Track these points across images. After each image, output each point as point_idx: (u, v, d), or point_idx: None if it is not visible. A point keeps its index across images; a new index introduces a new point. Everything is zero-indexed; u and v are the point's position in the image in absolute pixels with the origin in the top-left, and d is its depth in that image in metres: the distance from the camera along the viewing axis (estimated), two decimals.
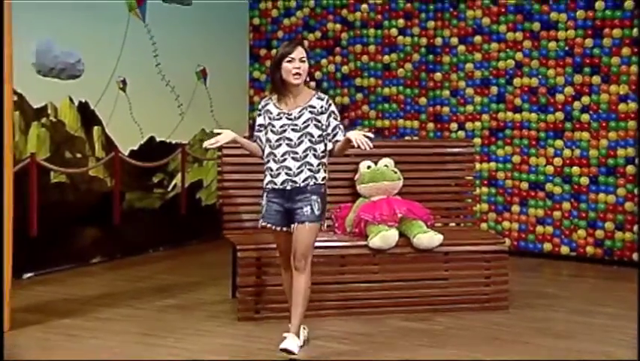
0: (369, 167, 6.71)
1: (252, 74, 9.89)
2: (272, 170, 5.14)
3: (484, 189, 8.72)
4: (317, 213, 5.11)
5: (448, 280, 6.44)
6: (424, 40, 9.02)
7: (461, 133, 8.83)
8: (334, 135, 5.17)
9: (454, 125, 8.89)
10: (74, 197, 7.93)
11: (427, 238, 6.28)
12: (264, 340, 5.67)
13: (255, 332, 5.84)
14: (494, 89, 8.70)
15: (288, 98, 5.14)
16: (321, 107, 5.14)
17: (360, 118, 9.38)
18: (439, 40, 8.94)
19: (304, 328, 5.33)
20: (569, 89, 8.34)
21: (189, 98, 9.06)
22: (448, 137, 8.84)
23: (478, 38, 8.74)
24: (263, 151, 5.23)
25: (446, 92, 8.94)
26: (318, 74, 9.55)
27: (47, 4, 7.40)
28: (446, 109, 8.94)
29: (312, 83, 9.53)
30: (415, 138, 8.99)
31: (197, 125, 9.17)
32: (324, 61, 9.53)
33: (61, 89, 7.71)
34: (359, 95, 9.38)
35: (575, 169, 8.34)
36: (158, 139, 8.73)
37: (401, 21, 9.12)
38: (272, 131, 5.14)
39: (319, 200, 5.13)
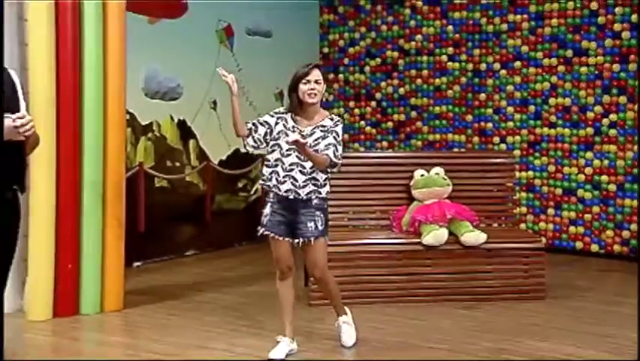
0: (422, 174, 6.67)
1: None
2: (279, 175, 4.71)
3: (523, 194, 8.62)
4: (320, 228, 4.75)
5: (491, 273, 6.37)
6: (470, 66, 8.95)
7: (503, 146, 8.74)
8: (326, 149, 4.64)
9: (496, 139, 8.80)
10: (174, 199, 8.04)
11: (473, 236, 6.23)
12: (330, 321, 5.64)
13: (324, 316, 5.83)
14: (532, 108, 8.59)
15: (304, 116, 4.77)
16: (329, 126, 4.74)
17: (414, 132, 9.33)
18: (483, 66, 8.86)
19: (292, 339, 4.95)
20: (598, 108, 8.19)
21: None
22: (491, 149, 8.75)
23: (517, 64, 8.64)
24: (248, 135, 4.75)
25: (489, 110, 8.85)
26: (378, 95, 9.53)
27: (154, 39, 7.56)
28: (489, 125, 8.85)
29: (373, 103, 9.54)
30: (462, 149, 8.91)
31: None
32: (383, 83, 9.51)
33: (164, 109, 7.84)
34: (413, 113, 9.34)
35: (604, 177, 8.18)
36: (242, 151, 8.76)
37: (450, 49, 9.06)
38: (283, 139, 4.73)
39: (322, 215, 4.76)
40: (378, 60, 9.54)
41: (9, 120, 3.41)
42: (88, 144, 5.77)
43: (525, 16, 8.57)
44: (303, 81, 4.67)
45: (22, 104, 3.76)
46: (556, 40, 8.40)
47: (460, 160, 7.21)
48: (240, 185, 8.87)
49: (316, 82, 4.68)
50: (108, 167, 5.88)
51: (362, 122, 9.68)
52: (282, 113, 4.82)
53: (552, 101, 8.45)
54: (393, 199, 6.77)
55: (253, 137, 4.77)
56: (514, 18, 8.64)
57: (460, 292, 6.28)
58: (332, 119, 4.80)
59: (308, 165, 4.66)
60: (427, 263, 6.29)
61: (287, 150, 4.69)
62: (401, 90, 9.41)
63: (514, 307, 6.11)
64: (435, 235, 6.19)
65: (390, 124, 9.51)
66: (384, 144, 9.52)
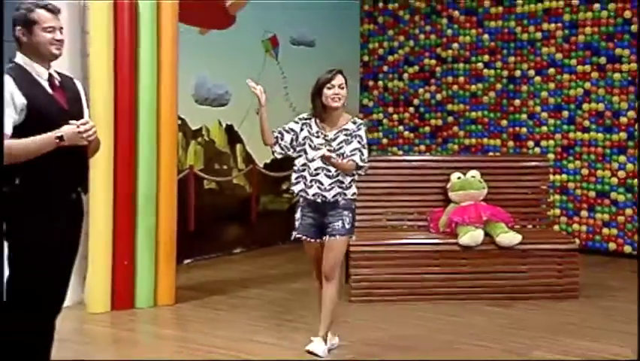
0: (459, 177, 6.67)
1: (362, 101, 9.93)
2: (306, 180, 4.67)
3: (557, 197, 8.55)
4: (347, 227, 4.68)
5: (525, 273, 6.34)
6: (505, 73, 8.91)
7: (537, 150, 8.68)
8: (352, 155, 4.59)
9: (530, 143, 8.75)
10: (221, 200, 8.12)
11: (509, 237, 6.22)
12: (372, 317, 5.73)
13: (364, 311, 5.89)
14: (565, 113, 8.53)
15: (328, 120, 4.69)
16: (353, 130, 4.67)
17: (450, 137, 9.32)
18: (518, 73, 8.82)
19: (334, 334, 4.95)
20: (631, 113, 8.10)
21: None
22: (525, 153, 8.70)
23: (552, 70, 8.58)
24: (275, 143, 4.71)
25: (524, 116, 8.81)
26: (416, 101, 9.54)
27: (204, 49, 7.65)
28: (524, 130, 8.81)
29: (411, 108, 9.55)
30: (498, 153, 8.87)
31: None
32: (421, 90, 9.51)
33: (212, 114, 7.93)
34: (450, 118, 9.33)
35: (637, 181, 8.08)
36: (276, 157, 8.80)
37: (486, 56, 9.04)
38: (309, 145, 4.68)
39: (350, 214, 4.69)
40: (416, 67, 9.54)
41: (73, 126, 3.52)
42: (142, 148, 5.86)
43: (559, 24, 8.51)
44: (328, 86, 4.61)
45: (86, 112, 3.87)
46: (589, 47, 8.34)
47: (495, 164, 7.20)
48: (284, 187, 8.91)
49: (340, 87, 4.63)
50: (161, 170, 5.96)
51: (400, 127, 9.69)
52: (307, 118, 4.76)
53: (585, 106, 8.39)
54: (431, 201, 6.78)
55: (280, 144, 4.73)
56: (548, 27, 8.59)
57: (496, 290, 6.26)
58: (355, 123, 4.72)
59: (333, 168, 4.60)
60: (463, 263, 6.28)
61: (313, 156, 4.64)
62: (438, 96, 9.40)
63: (548, 306, 6.08)
64: (471, 236, 6.19)
65: (427, 129, 9.51)
66: (422, 147, 9.51)
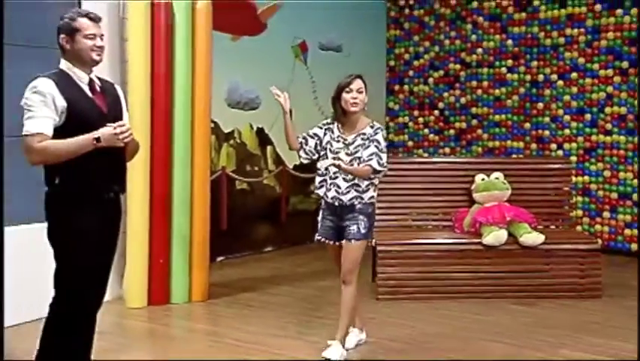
0: (483, 179, 6.66)
1: (388, 104, 9.93)
2: (327, 183, 4.62)
3: (579, 198, 8.49)
4: (363, 231, 4.54)
5: (548, 272, 6.32)
6: (528, 77, 8.87)
7: (560, 152, 8.63)
8: (369, 160, 4.48)
9: (553, 146, 8.69)
10: (253, 200, 8.16)
11: (532, 237, 6.20)
12: (398, 315, 5.73)
13: (390, 309, 5.89)
14: (588, 116, 8.46)
15: (348, 125, 4.60)
16: (370, 134, 4.54)
17: (475, 139, 9.29)
18: (541, 77, 8.77)
19: (361, 330, 4.96)
20: None
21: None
22: (548, 155, 8.65)
23: (574, 75, 8.53)
24: (300, 148, 4.68)
25: (547, 119, 8.76)
26: (440, 105, 9.53)
27: (236, 55, 7.69)
28: (547, 132, 8.76)
29: (436, 112, 9.54)
30: (521, 156, 8.83)
31: None
32: (445, 94, 9.49)
33: (244, 118, 7.97)
34: (474, 121, 9.30)
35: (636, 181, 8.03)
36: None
37: (510, 61, 9.00)
38: (330, 149, 4.60)
39: (366, 219, 4.56)
40: (441, 72, 9.53)
41: (110, 128, 3.57)
42: (177, 150, 5.92)
43: (582, 29, 8.46)
44: (346, 90, 4.53)
45: (126, 115, 3.92)
46: (612, 52, 8.27)
47: (518, 165, 7.18)
48: (312, 188, 8.93)
49: (358, 91, 4.52)
50: (195, 171, 6.00)
51: (426, 130, 9.68)
52: (330, 123, 4.68)
53: (608, 109, 8.32)
54: (455, 202, 6.76)
55: (304, 149, 4.69)
56: (571, 32, 8.53)
57: (519, 289, 6.24)
58: (372, 127, 4.59)
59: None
60: (486, 262, 6.26)
61: (332, 159, 4.52)
62: (462, 100, 9.38)
63: (571, 305, 6.04)
64: (495, 236, 6.17)
65: (452, 131, 9.49)
66: (447, 150, 9.50)
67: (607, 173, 8.36)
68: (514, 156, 8.88)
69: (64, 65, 3.69)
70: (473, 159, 8.51)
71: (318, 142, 4.67)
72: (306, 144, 4.68)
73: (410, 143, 9.76)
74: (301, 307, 5.90)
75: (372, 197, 4.61)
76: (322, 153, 4.65)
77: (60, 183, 3.61)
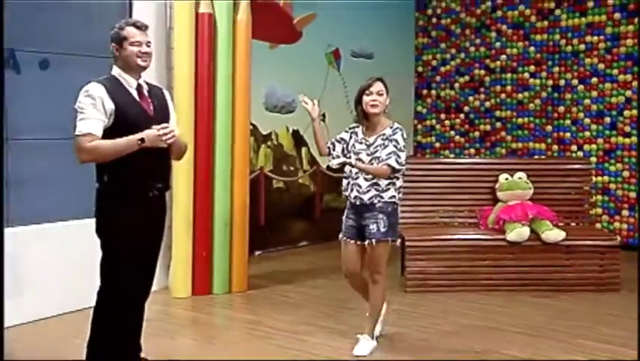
0: (506, 178, 6.61)
1: (416, 108, 9.90)
2: (350, 184, 4.48)
3: (599, 197, 8.39)
4: (383, 230, 4.38)
5: (569, 267, 6.25)
6: (550, 82, 8.78)
7: (580, 153, 8.53)
8: (387, 159, 4.32)
9: (574, 147, 8.60)
10: (289, 198, 8.18)
11: (553, 234, 6.14)
12: (425, 306, 5.71)
13: (418, 301, 5.87)
14: (607, 119, 8.36)
15: (370, 127, 4.47)
16: (389, 134, 4.40)
17: (498, 141, 9.22)
18: (562, 82, 8.68)
19: (382, 322, 4.80)
20: None
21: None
22: (569, 156, 8.55)
23: (594, 80, 8.42)
24: (328, 154, 4.57)
25: (568, 122, 8.66)
26: (466, 108, 9.47)
27: (273, 62, 7.72)
28: (568, 135, 8.66)
29: (462, 115, 9.48)
30: (543, 156, 8.75)
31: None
32: (471, 98, 9.43)
33: (281, 121, 7.99)
34: (498, 124, 9.23)
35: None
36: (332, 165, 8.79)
37: (532, 67, 8.91)
38: (353, 151, 4.47)
39: (385, 218, 4.38)
40: (467, 77, 9.47)
41: (154, 130, 3.61)
42: (219, 150, 5.95)
43: (602, 37, 8.35)
44: (367, 92, 4.41)
45: (173, 118, 3.96)
46: (630, 58, 8.15)
47: (540, 166, 7.11)
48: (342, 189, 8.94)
49: (378, 93, 4.40)
50: (235, 170, 6.04)
51: (452, 132, 9.63)
52: (355, 126, 4.56)
53: (626, 113, 8.21)
54: (480, 200, 6.72)
55: (332, 155, 4.56)
56: (591, 39, 8.43)
57: (541, 283, 6.19)
58: (392, 127, 4.44)
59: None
60: (510, 257, 6.22)
61: (355, 160, 4.40)
62: (487, 104, 9.32)
63: (591, 299, 5.98)
64: (518, 233, 6.13)
65: (477, 134, 9.43)
66: (472, 151, 9.44)
67: (626, 173, 8.25)
68: (536, 156, 8.80)
69: (115, 71, 3.76)
70: (497, 159, 8.43)
71: (345, 146, 4.55)
72: (334, 149, 4.58)
73: (437, 144, 9.72)
74: (334, 299, 5.90)
75: (393, 196, 4.44)
76: (348, 156, 4.50)
77: (108, 180, 3.67)
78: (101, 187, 3.71)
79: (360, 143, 4.47)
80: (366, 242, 4.44)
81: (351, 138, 4.55)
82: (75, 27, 5.51)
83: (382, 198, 4.40)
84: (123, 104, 3.65)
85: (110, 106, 3.60)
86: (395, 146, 4.35)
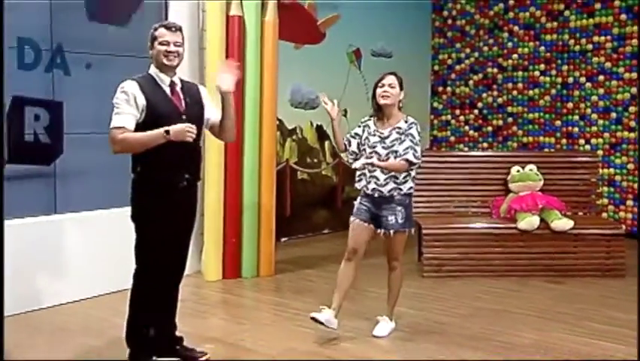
0: (518, 170, 6.57)
1: (433, 104, 9.86)
2: (366, 176, 4.36)
3: (605, 188, 8.30)
4: (401, 221, 4.32)
5: (576, 254, 6.22)
6: (559, 80, 8.70)
7: (587, 147, 8.44)
8: (405, 153, 4.23)
9: (582, 141, 8.52)
10: (312, 189, 8.19)
11: (562, 223, 6.11)
12: (441, 290, 5.71)
13: (434, 285, 5.87)
14: (613, 115, 8.27)
15: (383, 119, 4.35)
16: (405, 129, 4.29)
17: (510, 135, 9.15)
18: (570, 79, 8.59)
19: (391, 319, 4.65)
20: None
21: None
22: (577, 149, 8.47)
23: (601, 77, 8.33)
24: (345, 150, 4.48)
25: (576, 117, 8.58)
26: (479, 104, 9.41)
27: (298, 61, 7.72)
28: (576, 129, 8.58)
29: (476, 111, 9.43)
30: (552, 150, 8.68)
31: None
32: (484, 94, 9.37)
33: (305, 116, 7.99)
34: (510, 119, 9.16)
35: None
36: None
37: (542, 65, 8.83)
38: (367, 144, 4.34)
39: (403, 210, 4.32)
40: (481, 75, 9.41)
41: (181, 125, 3.62)
42: (248, 144, 5.96)
43: (608, 37, 8.25)
44: (379, 85, 4.33)
45: (211, 110, 3.96)
46: (636, 57, 8.04)
47: (550, 159, 7.05)
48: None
49: (390, 86, 4.29)
50: (262, 163, 6.05)
51: (466, 127, 9.58)
52: (366, 120, 4.46)
53: (632, 109, 8.11)
54: (493, 191, 6.69)
55: (348, 150, 4.49)
56: (598, 39, 8.34)
57: (549, 269, 6.16)
58: (407, 122, 4.32)
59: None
60: (521, 245, 6.19)
61: (369, 154, 4.30)
62: (499, 100, 9.25)
63: (597, 283, 5.94)
64: (528, 222, 6.09)
65: (490, 128, 9.37)
66: (485, 145, 9.38)
67: (630, 166, 8.15)
68: (546, 150, 8.73)
69: (151, 69, 3.79)
70: (509, 152, 8.40)
71: (359, 141, 4.44)
72: (350, 145, 4.48)
73: (452, 138, 9.68)
74: (355, 283, 5.88)
75: (411, 188, 4.37)
76: (362, 148, 4.40)
77: (140, 171, 3.70)
78: (135, 177, 3.75)
79: (374, 135, 4.35)
80: (383, 232, 4.37)
81: (364, 131, 4.43)
82: (116, 29, 5.56)
83: (401, 190, 4.31)
84: (155, 99, 3.68)
85: (142, 102, 3.63)
86: (412, 140, 4.26)
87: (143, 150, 3.62)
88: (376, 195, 4.33)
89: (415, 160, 4.25)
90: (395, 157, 4.25)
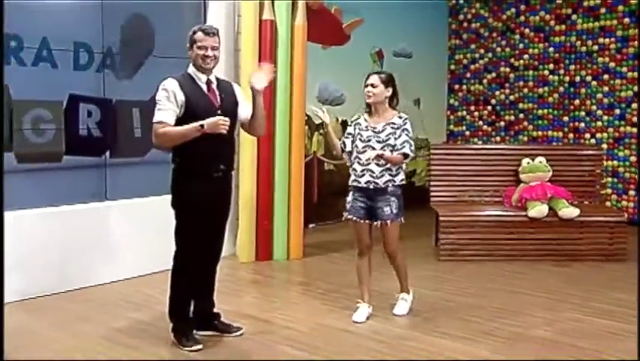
0: (528, 162, 6.46)
1: (449, 101, 9.73)
2: (356, 171, 4.23)
3: (609, 179, 8.13)
4: (395, 211, 4.19)
5: (582, 240, 6.10)
6: (567, 78, 8.52)
7: (593, 141, 8.27)
8: (402, 148, 4.15)
9: (587, 135, 8.34)
10: (338, 178, 8.06)
11: (569, 211, 6.00)
12: (456, 273, 5.65)
13: (450, 268, 5.81)
14: (617, 111, 8.07)
15: (375, 115, 4.24)
16: (399, 124, 4.19)
17: (521, 130, 8.99)
18: (577, 78, 8.41)
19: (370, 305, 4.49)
20: None
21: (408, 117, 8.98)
22: (583, 143, 8.30)
23: (606, 76, 8.14)
24: (342, 151, 4.34)
25: (582, 113, 8.40)
26: (493, 101, 9.26)
27: (325, 60, 7.66)
28: (582, 124, 8.41)
29: (489, 107, 9.29)
30: (560, 143, 8.52)
31: (413, 135, 9.07)
32: (497, 92, 9.22)
33: (331, 111, 7.64)
34: (521, 115, 9.01)
35: None
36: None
37: (551, 65, 8.65)
38: (359, 139, 4.22)
39: (396, 200, 4.20)
40: (494, 74, 9.26)
41: (215, 118, 3.60)
42: (279, 137, 5.95)
43: (612, 39, 8.05)
44: (365, 85, 4.26)
45: (244, 105, 3.93)
46: (638, 57, 7.85)
47: (558, 152, 6.90)
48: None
49: (372, 85, 4.20)
50: (292, 154, 6.03)
51: (480, 122, 9.44)
52: (357, 118, 4.35)
53: (634, 105, 7.91)
54: (505, 181, 6.58)
55: (345, 151, 4.33)
56: (603, 41, 8.14)
57: (557, 253, 6.06)
58: (401, 118, 4.23)
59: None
60: (530, 231, 6.09)
61: (362, 148, 4.19)
62: (511, 97, 9.10)
63: (600, 267, 5.84)
64: (538, 210, 5.99)
65: (502, 123, 9.22)
66: (498, 139, 9.24)
67: (633, 158, 7.97)
68: (554, 143, 8.57)
69: (190, 68, 3.78)
70: (520, 146, 8.23)
71: (353, 140, 4.31)
72: (346, 146, 4.33)
73: (467, 133, 9.55)
74: (375, 265, 5.78)
75: (402, 179, 4.26)
76: (354, 145, 4.26)
77: (179, 162, 3.70)
78: (174, 168, 3.75)
79: (366, 130, 4.23)
80: (379, 223, 4.24)
81: (355, 129, 4.31)
82: (160, 33, 5.57)
83: (395, 181, 4.20)
84: (193, 96, 3.67)
85: (181, 98, 3.63)
86: (407, 135, 4.19)
87: (182, 143, 3.61)
88: (372, 187, 4.19)
89: (411, 154, 4.19)
90: (391, 150, 4.15)
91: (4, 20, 3.90)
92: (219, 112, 3.69)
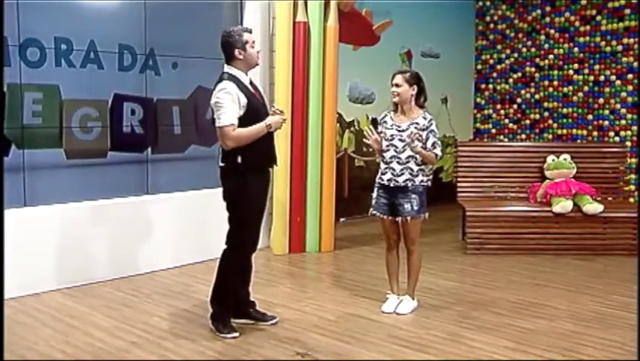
0: (553, 159, 6.36)
1: (476, 100, 9.62)
2: (381, 168, 4.22)
3: (632, 176, 7.95)
4: (416, 208, 4.10)
5: (605, 235, 6.00)
6: (591, 78, 8.35)
7: (617, 138, 8.10)
8: (433, 148, 4.09)
9: (611, 133, 8.17)
10: (367, 174, 8.01)
11: (593, 207, 5.90)
12: (482, 266, 5.59)
13: (476, 261, 5.75)
14: None
15: (401, 114, 4.16)
16: (424, 125, 4.10)
17: (546, 128, 8.85)
18: (602, 78, 8.24)
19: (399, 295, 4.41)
20: None
21: (436, 115, 8.84)
22: (607, 141, 8.14)
23: (630, 76, 7.96)
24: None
25: (606, 112, 8.23)
26: (518, 100, 9.14)
27: (356, 61, 7.62)
28: (606, 122, 8.24)
29: (515, 106, 9.17)
30: (584, 141, 8.36)
31: (441, 133, 8.99)
32: (522, 91, 9.08)
33: (361, 110, 7.89)
34: (546, 114, 8.86)
35: None
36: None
37: (576, 65, 8.49)
38: (384, 137, 4.18)
39: (417, 197, 4.10)
40: (519, 74, 9.12)
41: (277, 116, 3.69)
42: (311, 135, 5.95)
43: (637, 39, 7.87)
44: (391, 84, 4.17)
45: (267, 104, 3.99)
46: None
47: (582, 149, 6.79)
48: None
49: (397, 85, 4.11)
50: (324, 151, 6.03)
51: (506, 120, 9.32)
52: (384, 116, 4.28)
53: None
54: (530, 177, 6.49)
55: (382, 151, 4.26)
56: (627, 41, 7.96)
57: (581, 248, 5.97)
58: (425, 118, 4.13)
59: (403, 156, 4.10)
60: (555, 226, 6.00)
61: (386, 147, 4.15)
62: (537, 96, 8.96)
63: (623, 261, 5.72)
64: (562, 205, 5.90)
65: (527, 122, 9.09)
66: (523, 136, 9.11)
67: None
68: (578, 141, 8.42)
69: (233, 70, 3.72)
70: (545, 143, 8.13)
71: (383, 137, 4.23)
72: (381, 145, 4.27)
73: (493, 130, 9.44)
74: (403, 258, 5.78)
75: (422, 181, 4.15)
76: (381, 142, 4.20)
77: (242, 160, 3.67)
78: (231, 166, 3.69)
79: (391, 128, 4.16)
80: (400, 219, 4.18)
81: (382, 126, 4.26)
82: (192, 35, 5.62)
83: (414, 181, 4.12)
84: (250, 98, 3.70)
85: (244, 100, 3.65)
86: (434, 136, 4.11)
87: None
88: (392, 184, 4.15)
89: (440, 154, 4.14)
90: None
91: (4, 20, 3.93)
92: (274, 110, 3.76)
